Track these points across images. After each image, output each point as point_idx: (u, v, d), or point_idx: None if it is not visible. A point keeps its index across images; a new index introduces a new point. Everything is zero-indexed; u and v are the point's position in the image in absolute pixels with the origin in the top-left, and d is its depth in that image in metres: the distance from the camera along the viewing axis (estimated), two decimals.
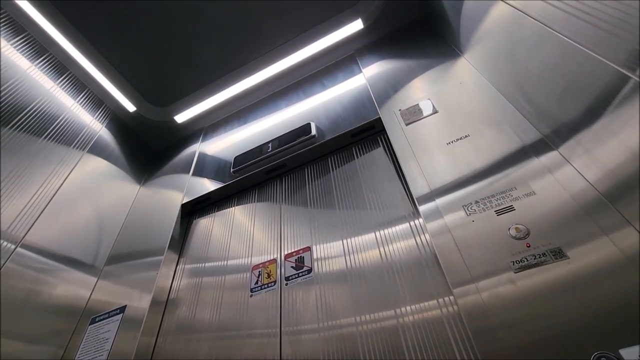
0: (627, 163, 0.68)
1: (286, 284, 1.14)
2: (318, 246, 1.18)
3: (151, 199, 1.75)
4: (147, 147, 2.09)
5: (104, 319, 1.27)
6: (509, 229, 0.79)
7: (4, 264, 1.13)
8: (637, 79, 0.61)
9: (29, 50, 1.51)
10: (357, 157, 1.38)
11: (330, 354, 0.92)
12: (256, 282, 1.20)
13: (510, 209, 0.82)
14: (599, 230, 0.70)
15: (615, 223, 0.69)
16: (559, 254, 0.71)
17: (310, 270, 1.13)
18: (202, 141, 1.96)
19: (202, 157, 1.84)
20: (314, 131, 1.48)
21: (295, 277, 1.14)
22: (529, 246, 0.75)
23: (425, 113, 1.20)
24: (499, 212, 0.83)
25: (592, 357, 0.56)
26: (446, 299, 0.86)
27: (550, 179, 0.83)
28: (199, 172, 1.75)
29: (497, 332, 0.67)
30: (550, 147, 0.88)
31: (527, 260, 0.73)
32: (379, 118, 1.34)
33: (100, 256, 1.50)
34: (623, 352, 0.55)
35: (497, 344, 0.66)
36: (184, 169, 1.82)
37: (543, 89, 0.89)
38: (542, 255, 0.72)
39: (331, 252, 1.14)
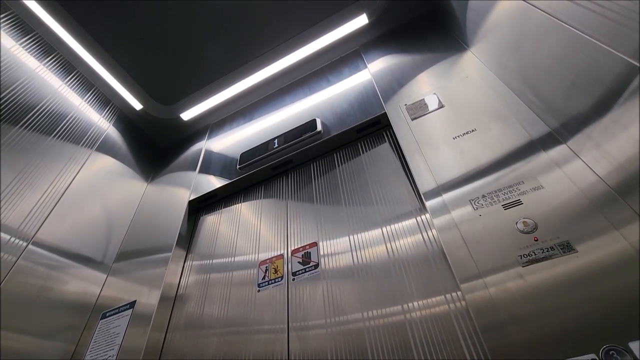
0: (638, 156, 0.67)
1: (293, 279, 1.14)
2: (325, 242, 1.18)
3: (158, 196, 1.77)
4: (154, 145, 2.11)
5: (114, 314, 1.29)
6: (517, 223, 0.79)
7: (16, 260, 1.16)
8: None
9: (37, 50, 1.53)
10: (363, 153, 1.38)
11: (337, 349, 0.92)
12: (263, 278, 1.21)
13: (518, 203, 0.82)
14: (609, 224, 0.70)
15: (626, 217, 0.69)
16: (567, 248, 0.70)
17: (317, 266, 1.13)
18: (209, 138, 1.97)
19: (209, 154, 1.85)
20: (319, 127, 1.48)
21: (302, 272, 1.14)
22: (536, 240, 0.74)
23: (431, 108, 1.19)
24: (506, 207, 0.83)
25: (601, 351, 0.56)
26: (454, 294, 0.86)
27: (559, 173, 0.82)
28: (206, 169, 1.76)
29: (506, 327, 0.67)
30: (559, 141, 0.88)
31: (535, 254, 0.72)
32: (385, 113, 1.33)
33: (109, 253, 1.52)
34: (632, 345, 0.55)
35: (506, 339, 0.66)
36: (191, 166, 1.83)
37: (551, 81, 0.88)
38: (550, 249, 0.71)
39: (338, 248, 1.14)
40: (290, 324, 1.05)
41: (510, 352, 0.64)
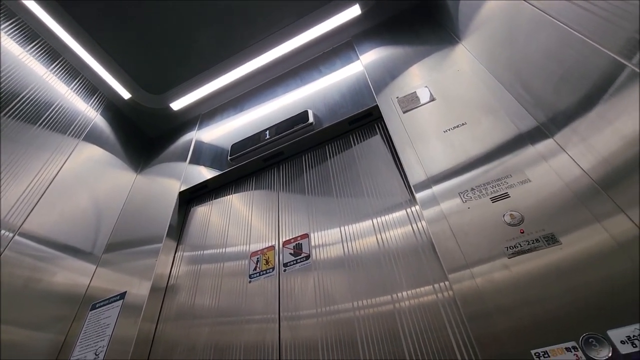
0: (622, 151, 0.69)
1: (284, 270, 1.15)
2: (316, 233, 1.19)
3: (148, 187, 1.75)
4: (143, 135, 2.07)
5: (104, 305, 1.28)
6: (504, 215, 0.80)
7: (2, 252, 1.14)
8: (634, 67, 0.62)
9: (20, 37, 1.48)
10: (355, 145, 1.38)
11: (328, 338, 0.94)
12: (255, 269, 1.21)
13: (506, 196, 0.84)
14: (592, 217, 0.72)
15: (608, 210, 0.71)
16: (551, 240, 0.72)
17: (308, 257, 1.14)
18: (199, 129, 1.95)
19: (199, 144, 1.83)
20: (311, 119, 1.48)
21: (294, 264, 1.15)
22: (522, 232, 0.76)
23: (422, 101, 1.20)
24: (494, 199, 0.84)
25: (581, 339, 0.59)
26: (442, 284, 0.88)
27: (545, 167, 0.84)
28: (196, 159, 1.75)
29: (491, 316, 0.69)
30: (546, 135, 0.89)
31: (521, 246, 0.74)
32: (377, 105, 1.34)
33: (98, 244, 1.51)
34: (610, 333, 0.57)
35: (491, 328, 0.68)
36: (181, 157, 1.81)
37: (540, 76, 0.89)
38: (535, 241, 0.74)
39: (329, 239, 1.15)
40: (281, 314, 1.06)
41: (495, 341, 0.66)
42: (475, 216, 0.84)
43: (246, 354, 1.02)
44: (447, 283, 0.86)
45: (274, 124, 1.59)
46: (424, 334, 0.83)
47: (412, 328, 0.85)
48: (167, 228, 1.45)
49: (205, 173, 1.63)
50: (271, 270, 1.18)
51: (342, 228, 1.15)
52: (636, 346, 0.54)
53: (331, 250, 1.12)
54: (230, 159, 1.57)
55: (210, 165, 1.65)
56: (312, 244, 1.17)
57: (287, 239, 1.24)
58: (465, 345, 0.77)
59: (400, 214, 1.08)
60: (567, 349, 0.58)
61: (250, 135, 1.62)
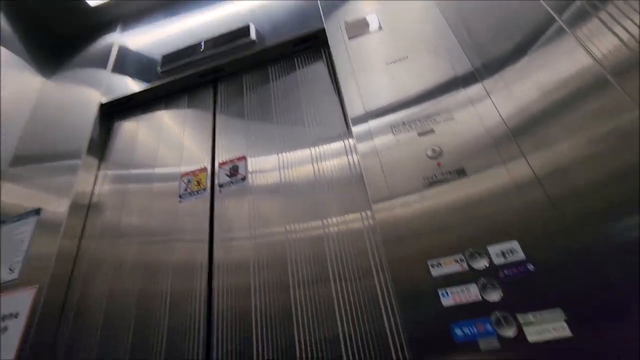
0: (535, 102, 0.76)
1: (220, 192, 1.15)
2: (253, 158, 1.18)
3: (61, 95, 1.53)
4: (51, 32, 1.74)
5: (15, 221, 1.19)
6: (427, 149, 0.87)
7: None
8: (562, 23, 0.65)
9: None
10: (299, 69, 1.32)
11: (260, 259, 0.99)
12: (185, 189, 1.19)
13: (431, 132, 0.89)
14: (500, 159, 0.81)
15: (512, 154, 0.80)
16: (461, 174, 0.81)
17: (244, 178, 1.14)
18: (122, 31, 1.69)
19: (123, 51, 1.61)
20: (253, 35, 1.36)
21: (230, 185, 1.15)
22: (439, 165, 0.84)
23: (370, 28, 1.16)
24: (420, 134, 0.90)
25: (467, 252, 0.71)
26: (367, 212, 0.96)
27: (471, 110, 0.90)
28: (120, 68, 1.54)
29: (404, 240, 0.78)
30: (477, 80, 0.94)
31: (436, 177, 0.82)
32: (323, 29, 1.26)
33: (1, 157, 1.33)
34: (490, 248, 0.71)
35: (402, 251, 0.77)
36: (101, 63, 1.58)
37: (484, 21, 0.90)
38: (448, 174, 0.82)
39: (266, 165, 1.15)
40: (215, 235, 1.08)
41: (404, 260, 0.76)
42: (402, 149, 0.89)
43: (175, 272, 1.05)
44: (370, 212, 0.94)
45: (211, 37, 1.43)
46: (347, 256, 0.92)
47: (337, 251, 0.94)
48: (87, 143, 1.32)
49: (132, 85, 1.46)
50: (203, 191, 1.17)
51: (280, 155, 1.15)
52: (506, 258, 0.68)
53: (268, 176, 1.13)
54: (160, 72, 1.42)
55: (137, 76, 1.48)
56: (249, 168, 1.17)
57: (224, 160, 1.21)
58: (381, 268, 0.87)
59: (337, 145, 1.11)
60: (456, 260, 0.71)
61: (184, 47, 1.45)
